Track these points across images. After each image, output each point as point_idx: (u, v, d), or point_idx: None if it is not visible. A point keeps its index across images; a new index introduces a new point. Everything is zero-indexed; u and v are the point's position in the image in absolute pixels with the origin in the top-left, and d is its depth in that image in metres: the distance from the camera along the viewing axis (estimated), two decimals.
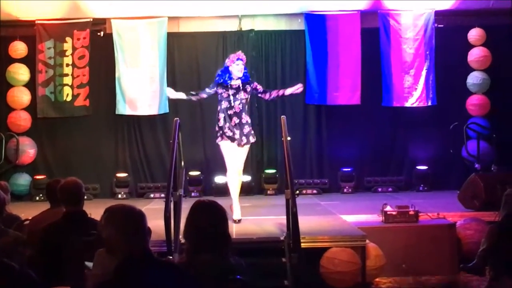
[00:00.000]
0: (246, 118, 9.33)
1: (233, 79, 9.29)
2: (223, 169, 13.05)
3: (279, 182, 13.00)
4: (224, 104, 9.26)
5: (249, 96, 9.40)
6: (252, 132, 9.45)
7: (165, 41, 13.13)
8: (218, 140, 9.32)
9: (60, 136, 13.54)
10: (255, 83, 9.56)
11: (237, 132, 9.22)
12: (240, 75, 9.28)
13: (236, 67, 9.27)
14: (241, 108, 9.27)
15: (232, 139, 9.23)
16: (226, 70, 9.33)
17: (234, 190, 9.40)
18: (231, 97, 9.24)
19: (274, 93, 9.51)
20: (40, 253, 5.52)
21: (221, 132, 9.27)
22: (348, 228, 8.91)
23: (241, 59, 9.34)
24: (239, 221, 9.30)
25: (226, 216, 4.18)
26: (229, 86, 9.27)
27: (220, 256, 3.98)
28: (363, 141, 13.60)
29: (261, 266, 7.31)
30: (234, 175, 9.35)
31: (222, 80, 9.30)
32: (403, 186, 13.57)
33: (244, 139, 9.27)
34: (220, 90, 9.30)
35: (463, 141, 12.79)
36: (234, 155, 9.27)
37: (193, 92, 9.55)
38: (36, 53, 13.09)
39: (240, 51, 9.62)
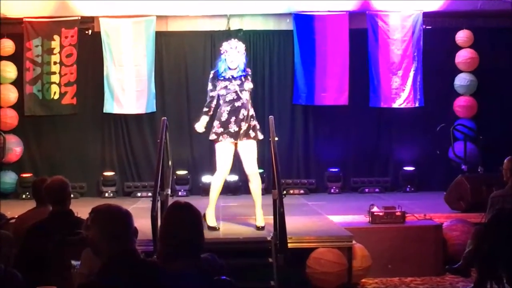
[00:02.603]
0: (252, 111, 8.70)
1: (231, 69, 8.58)
2: (210, 169, 13.06)
3: (266, 182, 12.95)
4: (230, 96, 8.50)
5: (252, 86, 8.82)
6: (259, 127, 8.78)
7: (153, 40, 13.10)
8: (217, 139, 8.56)
9: (47, 134, 13.50)
10: (248, 79, 8.71)
11: (245, 126, 8.54)
12: (233, 66, 8.54)
13: (228, 57, 8.57)
14: (248, 99, 8.62)
15: (235, 136, 8.52)
16: (223, 61, 8.65)
17: (218, 194, 8.72)
18: (237, 88, 8.54)
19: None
20: (25, 252, 5.50)
21: (222, 129, 8.51)
22: (334, 229, 8.93)
23: (233, 48, 8.62)
24: (259, 228, 8.72)
25: (201, 219, 3.98)
26: (232, 78, 8.57)
27: (196, 259, 3.86)
28: (350, 141, 13.63)
29: (248, 266, 7.32)
30: (224, 179, 8.75)
31: (222, 75, 8.58)
32: (389, 187, 13.60)
33: (252, 133, 8.61)
34: (224, 83, 8.54)
35: (450, 142, 12.81)
36: (230, 157, 8.64)
37: (206, 110, 8.69)
38: (24, 51, 13.03)
39: (232, 39, 9.01)
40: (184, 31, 13.61)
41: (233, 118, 8.52)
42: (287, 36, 13.53)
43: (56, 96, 13.04)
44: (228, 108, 8.54)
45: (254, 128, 8.67)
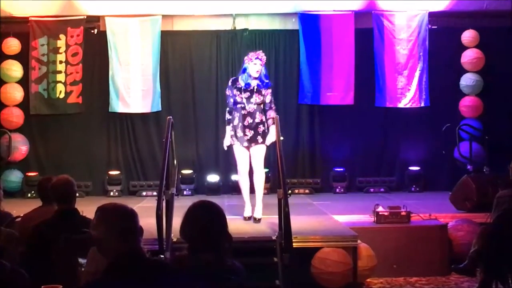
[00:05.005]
0: (260, 117, 9.23)
1: (250, 78, 9.17)
2: (215, 168, 13.24)
3: (271, 182, 12.97)
4: (239, 105, 9.20)
5: (264, 97, 9.25)
6: (267, 131, 9.28)
7: (158, 39, 13.12)
8: (230, 142, 9.32)
9: (53, 133, 13.50)
10: (269, 93, 9.32)
11: (250, 132, 9.18)
12: (257, 75, 9.14)
13: (254, 66, 9.13)
14: (255, 109, 9.19)
15: (242, 140, 9.19)
16: (244, 70, 9.25)
17: (246, 190, 9.40)
18: (245, 100, 9.15)
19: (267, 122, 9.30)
20: (31, 251, 5.51)
21: (233, 132, 9.25)
22: (340, 228, 8.93)
23: (260, 59, 9.18)
24: (255, 219, 9.30)
25: (224, 214, 4.18)
26: (242, 88, 9.18)
27: (220, 256, 3.99)
28: (355, 141, 13.61)
29: (253, 266, 7.31)
30: (245, 176, 9.36)
31: (240, 85, 9.19)
32: (395, 186, 13.58)
33: (260, 138, 9.21)
34: (235, 92, 9.19)
35: (456, 142, 12.79)
36: (246, 157, 9.26)
37: (229, 118, 9.36)
38: (30, 50, 13.05)
39: (260, 51, 9.43)
40: (190, 30, 13.61)
41: (240, 124, 9.21)
42: (292, 36, 13.52)
43: (62, 95, 13.06)
44: (238, 114, 9.24)
45: (262, 134, 9.23)
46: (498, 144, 12.49)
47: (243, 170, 9.33)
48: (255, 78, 9.19)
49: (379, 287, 8.62)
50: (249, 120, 9.16)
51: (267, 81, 9.31)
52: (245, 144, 9.22)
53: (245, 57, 9.39)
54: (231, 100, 9.29)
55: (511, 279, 7.23)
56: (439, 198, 11.71)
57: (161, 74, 13.22)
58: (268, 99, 9.29)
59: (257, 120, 9.20)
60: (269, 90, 9.34)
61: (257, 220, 9.23)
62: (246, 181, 9.41)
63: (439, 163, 13.42)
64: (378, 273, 8.71)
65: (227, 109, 9.46)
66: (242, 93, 9.19)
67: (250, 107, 9.17)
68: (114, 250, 3.47)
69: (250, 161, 9.32)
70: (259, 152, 9.25)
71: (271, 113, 9.25)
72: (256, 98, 9.18)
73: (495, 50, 13.41)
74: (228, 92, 9.38)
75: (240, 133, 9.19)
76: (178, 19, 13.60)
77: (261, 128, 9.22)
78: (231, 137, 9.28)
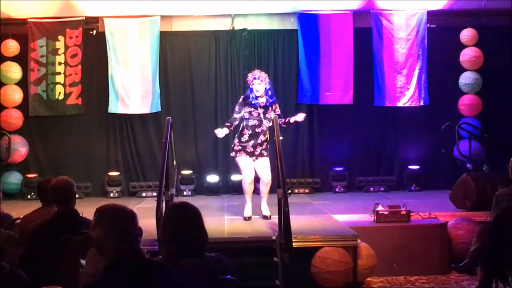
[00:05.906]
0: (267, 135, 9.53)
1: (258, 98, 9.38)
2: (215, 168, 13.22)
3: (271, 182, 12.98)
4: (253, 122, 9.38)
5: (274, 112, 9.49)
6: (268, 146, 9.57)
7: (157, 40, 13.11)
8: (235, 155, 9.47)
9: (52, 135, 13.49)
10: (276, 106, 9.59)
11: (259, 149, 9.41)
12: (259, 93, 9.36)
13: (254, 86, 9.36)
14: (268, 126, 9.43)
15: (251, 154, 9.38)
16: (251, 91, 9.43)
17: (250, 192, 9.55)
18: (262, 115, 9.38)
19: (280, 122, 9.43)
20: (31, 252, 5.51)
21: (240, 147, 9.41)
22: (340, 228, 8.93)
23: (258, 78, 9.39)
24: (265, 217, 9.54)
25: (200, 217, 4.08)
26: (258, 105, 9.37)
27: (201, 257, 3.93)
28: (355, 140, 13.60)
29: (253, 266, 7.32)
30: (250, 183, 9.48)
31: (251, 102, 9.39)
32: (394, 185, 13.57)
33: (265, 152, 9.46)
34: (249, 109, 9.38)
35: (455, 141, 12.79)
36: (251, 166, 9.40)
37: (228, 124, 9.47)
38: (29, 51, 13.04)
39: (256, 70, 9.70)
40: (189, 31, 13.60)
41: (251, 142, 9.40)
42: (291, 36, 13.52)
43: (61, 97, 13.06)
44: (249, 131, 9.40)
45: (266, 148, 9.51)
46: (498, 143, 12.50)
47: (249, 179, 9.44)
48: (262, 96, 9.40)
49: (379, 286, 8.62)
50: (262, 138, 9.41)
51: (272, 100, 9.51)
52: (252, 157, 9.41)
53: (247, 79, 9.61)
54: (236, 116, 9.44)
55: (511, 277, 7.23)
56: (438, 197, 11.72)
57: (160, 74, 13.21)
58: (278, 111, 9.55)
59: (263, 138, 9.47)
60: (277, 104, 9.64)
61: (268, 217, 9.42)
62: (251, 187, 9.56)
63: (439, 161, 13.43)
64: (378, 272, 8.71)
65: (228, 122, 9.58)
66: (258, 109, 9.39)
67: (266, 123, 9.38)
68: (113, 251, 3.48)
69: (255, 169, 9.49)
70: (264, 164, 9.43)
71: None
72: (270, 114, 9.39)
73: (493, 49, 13.42)
74: (236, 108, 9.53)
75: (250, 149, 9.38)
76: (176, 20, 13.59)
77: (264, 144, 9.47)
78: (237, 152, 9.42)
